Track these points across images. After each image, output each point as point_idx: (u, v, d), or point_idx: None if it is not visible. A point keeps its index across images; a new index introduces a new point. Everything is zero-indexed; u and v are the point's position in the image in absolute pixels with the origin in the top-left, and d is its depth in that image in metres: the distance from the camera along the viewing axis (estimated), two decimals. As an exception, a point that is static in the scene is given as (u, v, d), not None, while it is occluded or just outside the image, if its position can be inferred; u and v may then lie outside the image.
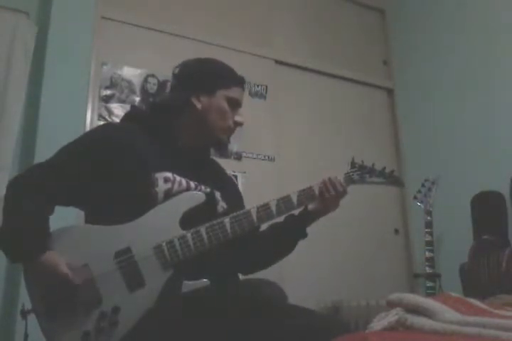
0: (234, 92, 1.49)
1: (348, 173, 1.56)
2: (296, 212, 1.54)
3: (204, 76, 1.49)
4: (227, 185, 1.57)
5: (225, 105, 1.47)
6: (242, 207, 1.51)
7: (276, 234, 1.54)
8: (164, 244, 1.28)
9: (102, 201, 1.34)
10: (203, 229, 1.30)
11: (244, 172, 2.93)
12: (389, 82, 3.77)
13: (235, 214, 1.36)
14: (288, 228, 1.54)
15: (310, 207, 1.53)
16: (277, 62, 3.30)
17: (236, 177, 2.85)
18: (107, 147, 1.36)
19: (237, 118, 1.50)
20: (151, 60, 2.82)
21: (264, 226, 1.55)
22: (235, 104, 1.50)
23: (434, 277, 2.71)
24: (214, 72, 1.50)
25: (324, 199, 1.49)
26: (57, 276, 1.19)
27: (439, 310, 0.92)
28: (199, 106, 1.46)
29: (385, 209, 3.46)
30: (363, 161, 1.59)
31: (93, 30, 2.65)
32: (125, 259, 1.26)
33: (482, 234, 2.67)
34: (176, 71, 1.53)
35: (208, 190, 1.42)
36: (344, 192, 1.51)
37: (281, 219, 1.54)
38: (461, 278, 2.51)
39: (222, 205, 1.45)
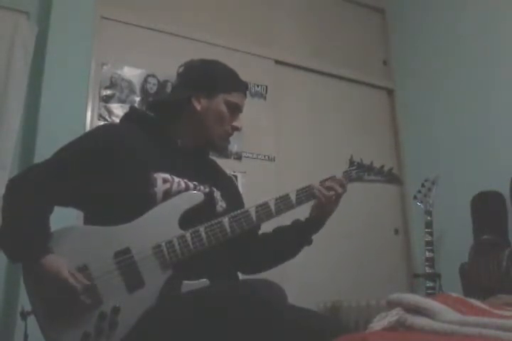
0: (235, 97, 1.48)
1: (346, 171, 1.56)
2: (302, 218, 1.54)
3: (207, 78, 1.48)
4: (227, 185, 1.57)
5: (224, 109, 1.47)
6: (242, 206, 1.51)
7: (281, 239, 1.53)
8: (163, 244, 1.28)
9: (102, 201, 1.34)
10: (202, 229, 1.30)
11: (245, 172, 2.93)
12: (389, 82, 3.77)
13: (233, 213, 1.36)
14: (294, 234, 1.53)
15: (313, 213, 1.52)
16: (277, 62, 3.29)
17: (236, 177, 2.85)
18: (106, 147, 1.36)
19: (235, 123, 1.49)
20: (151, 60, 2.82)
21: (270, 228, 1.55)
22: (234, 109, 1.49)
23: (434, 277, 2.70)
24: (217, 75, 1.49)
25: (323, 201, 1.48)
26: (58, 281, 1.19)
27: (439, 310, 0.92)
28: (198, 107, 1.46)
29: (385, 209, 3.45)
30: (361, 159, 1.59)
31: (93, 30, 2.65)
32: (124, 259, 1.26)
33: (482, 234, 2.67)
34: (181, 70, 1.53)
35: (207, 190, 1.42)
36: (343, 190, 1.50)
37: (287, 221, 1.54)
38: (461, 278, 2.51)
39: (221, 205, 1.45)
